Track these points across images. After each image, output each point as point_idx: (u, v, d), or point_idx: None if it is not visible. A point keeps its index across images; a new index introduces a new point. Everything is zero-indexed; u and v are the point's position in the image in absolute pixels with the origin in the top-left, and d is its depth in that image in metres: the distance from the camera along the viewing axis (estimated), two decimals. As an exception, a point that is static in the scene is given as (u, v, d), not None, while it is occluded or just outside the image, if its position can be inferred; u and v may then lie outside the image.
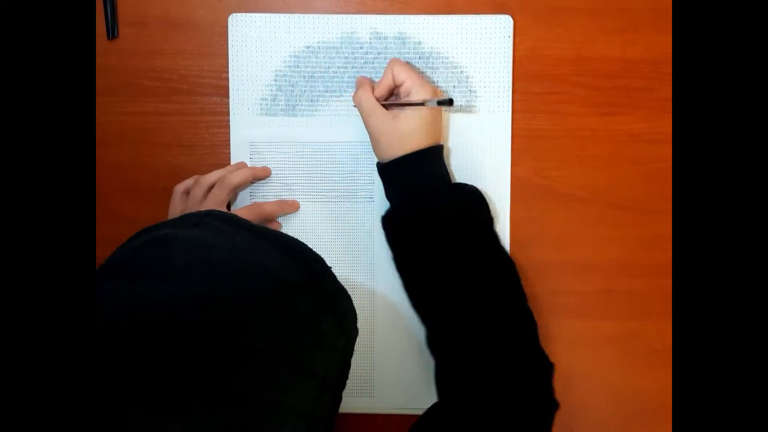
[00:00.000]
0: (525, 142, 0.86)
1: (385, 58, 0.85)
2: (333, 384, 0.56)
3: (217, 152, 0.86)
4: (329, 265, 0.59)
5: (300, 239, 0.86)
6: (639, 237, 0.86)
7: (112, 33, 0.85)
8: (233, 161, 0.86)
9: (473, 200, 0.80)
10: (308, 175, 0.86)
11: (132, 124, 0.86)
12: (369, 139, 0.82)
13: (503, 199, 0.86)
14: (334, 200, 0.86)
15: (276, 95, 0.86)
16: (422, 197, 0.78)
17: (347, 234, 0.87)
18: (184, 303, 0.48)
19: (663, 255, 0.85)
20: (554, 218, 0.86)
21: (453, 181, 0.82)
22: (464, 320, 0.76)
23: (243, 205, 0.86)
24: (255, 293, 0.50)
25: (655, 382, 0.85)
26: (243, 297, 0.49)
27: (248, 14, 0.86)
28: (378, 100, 0.80)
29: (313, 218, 0.87)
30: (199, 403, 0.45)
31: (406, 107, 0.78)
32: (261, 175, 0.86)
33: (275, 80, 0.86)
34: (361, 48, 0.86)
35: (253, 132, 0.86)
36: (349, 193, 0.86)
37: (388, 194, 0.82)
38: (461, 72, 0.86)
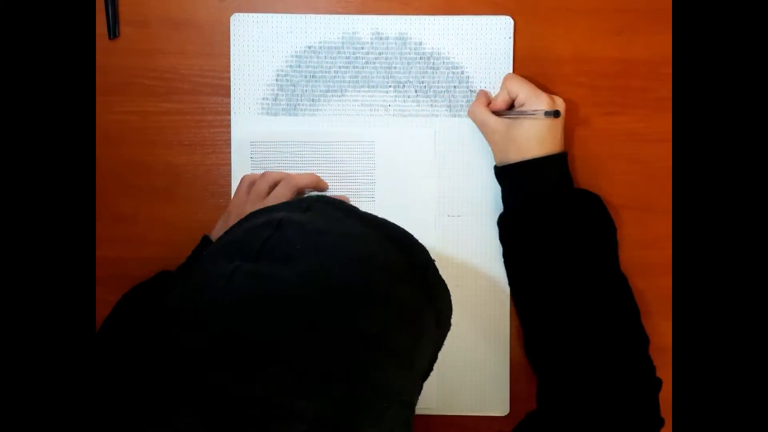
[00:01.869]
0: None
1: (387, 59, 0.86)
2: (425, 373, 0.57)
3: (218, 152, 0.86)
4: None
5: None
6: (638, 236, 0.86)
7: (113, 32, 0.85)
8: (234, 161, 0.86)
9: (592, 209, 0.81)
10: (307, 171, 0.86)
11: (132, 124, 0.86)
12: (370, 138, 0.82)
13: (504, 198, 0.86)
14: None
15: (277, 95, 0.86)
16: (538, 204, 0.79)
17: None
18: (303, 287, 0.49)
19: (662, 254, 0.85)
20: (554, 218, 0.86)
21: (574, 188, 0.82)
22: (573, 329, 0.76)
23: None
24: (366, 281, 0.51)
25: (655, 382, 0.85)
26: (355, 284, 0.51)
27: (250, 14, 0.86)
28: (495, 111, 0.82)
29: None
30: (315, 383, 0.47)
31: (520, 117, 0.80)
32: (323, 186, 0.86)
33: (276, 80, 0.86)
34: (363, 48, 0.86)
35: (254, 132, 0.86)
36: (350, 193, 0.86)
37: (504, 197, 0.83)
38: (462, 72, 0.86)
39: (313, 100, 0.86)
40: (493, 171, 0.84)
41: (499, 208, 0.85)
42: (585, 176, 0.86)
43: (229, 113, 0.86)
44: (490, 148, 0.85)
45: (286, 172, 0.85)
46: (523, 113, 0.79)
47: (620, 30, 0.85)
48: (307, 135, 0.86)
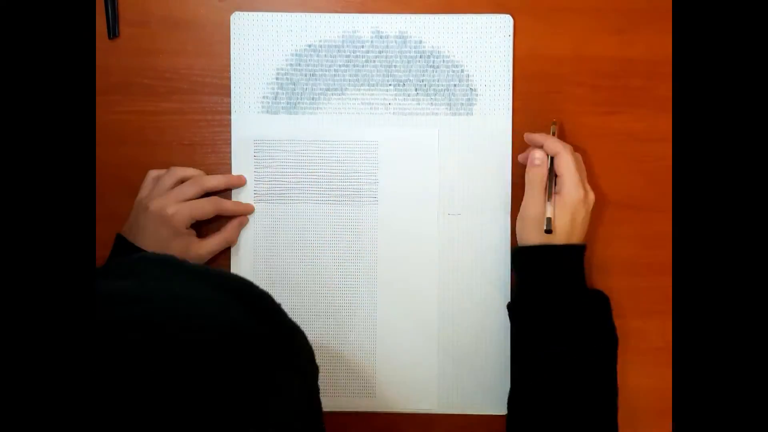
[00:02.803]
0: (525, 141, 0.86)
1: (387, 57, 0.86)
2: (296, 428, 0.51)
3: (219, 151, 0.86)
4: (273, 299, 0.55)
5: (303, 240, 0.85)
6: (639, 235, 0.86)
7: (113, 32, 0.85)
8: (234, 160, 0.86)
9: (597, 311, 0.80)
10: (311, 174, 0.86)
11: (132, 124, 0.86)
12: (374, 138, 0.83)
13: (504, 197, 0.86)
14: (337, 200, 0.86)
15: (277, 93, 0.86)
16: (544, 295, 0.79)
17: (350, 235, 0.86)
18: (127, 367, 0.43)
19: (663, 253, 0.85)
20: (555, 217, 0.86)
21: (585, 285, 0.81)
22: (555, 425, 0.76)
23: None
24: (196, 346, 0.46)
25: (655, 381, 0.85)
26: (186, 351, 0.45)
27: (250, 13, 0.86)
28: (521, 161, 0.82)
29: (316, 218, 0.86)
30: None
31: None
32: (236, 183, 0.86)
33: (277, 78, 0.86)
34: (363, 47, 0.86)
35: (255, 130, 0.86)
36: (353, 194, 0.86)
37: (517, 279, 0.83)
38: (462, 71, 0.86)
39: (313, 99, 0.86)
40: (494, 171, 0.84)
41: (500, 207, 0.85)
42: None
43: (229, 113, 0.86)
44: (490, 147, 0.85)
45: (196, 171, 0.85)
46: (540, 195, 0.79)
47: (620, 30, 0.85)
48: (311, 134, 0.86)
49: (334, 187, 0.86)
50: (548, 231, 0.77)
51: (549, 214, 0.77)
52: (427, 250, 0.86)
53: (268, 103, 0.86)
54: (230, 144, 0.86)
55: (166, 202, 0.80)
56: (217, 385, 0.45)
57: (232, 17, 0.86)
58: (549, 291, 0.78)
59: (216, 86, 0.86)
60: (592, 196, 0.80)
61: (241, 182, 0.86)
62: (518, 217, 0.82)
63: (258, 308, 0.52)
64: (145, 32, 0.86)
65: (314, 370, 0.55)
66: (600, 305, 0.80)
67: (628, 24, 0.85)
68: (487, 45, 0.86)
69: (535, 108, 0.86)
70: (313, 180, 0.86)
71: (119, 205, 0.86)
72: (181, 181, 0.83)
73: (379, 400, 0.86)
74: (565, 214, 0.78)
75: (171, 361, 0.44)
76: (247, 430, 0.45)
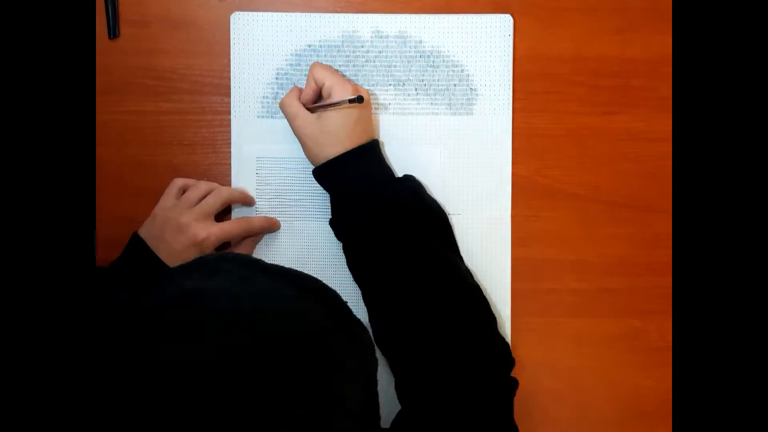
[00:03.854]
0: (525, 141, 0.86)
1: (387, 57, 0.86)
2: (361, 413, 0.56)
3: (218, 151, 0.86)
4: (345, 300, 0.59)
5: (304, 257, 0.86)
6: (639, 235, 0.86)
7: (113, 32, 0.85)
8: (235, 177, 0.86)
9: (414, 196, 0.80)
10: (313, 192, 0.86)
11: (132, 124, 0.86)
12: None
13: (504, 197, 0.86)
14: None
15: (277, 93, 0.86)
16: (356, 200, 0.78)
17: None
18: (225, 362, 0.48)
19: (663, 253, 0.85)
20: (555, 217, 0.86)
21: (394, 175, 0.81)
22: (415, 322, 0.75)
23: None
24: (285, 341, 0.50)
25: (655, 380, 0.85)
26: (277, 349, 0.50)
27: (250, 13, 0.86)
28: (305, 105, 0.80)
29: (317, 236, 0.86)
30: None
31: (329, 108, 0.78)
32: (249, 202, 0.86)
33: (277, 78, 0.86)
34: (362, 47, 0.86)
35: (255, 145, 0.86)
36: None
37: (330, 197, 0.82)
38: (462, 71, 0.86)
39: (313, 99, 0.86)
40: (494, 171, 0.84)
41: (500, 207, 0.85)
42: (585, 176, 0.86)
43: (229, 113, 0.86)
44: (491, 147, 0.85)
45: (216, 185, 0.85)
46: (329, 103, 0.78)
47: (620, 29, 0.85)
48: None
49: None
50: (358, 99, 0.76)
51: (336, 99, 0.77)
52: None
53: (269, 103, 0.86)
54: (230, 144, 0.86)
55: (198, 227, 0.80)
56: (299, 375, 0.49)
57: (232, 17, 0.86)
58: (365, 191, 0.78)
59: (216, 86, 0.86)
60: (363, 89, 0.81)
61: (251, 202, 0.87)
62: (307, 149, 0.81)
63: (331, 306, 0.56)
64: (145, 32, 0.86)
65: (375, 362, 0.59)
66: (415, 186, 0.80)
67: (628, 24, 0.85)
68: (487, 45, 0.86)
69: (535, 108, 0.86)
70: (315, 198, 0.86)
71: (119, 205, 0.86)
72: (205, 195, 0.83)
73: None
74: (344, 115, 0.78)
75: (262, 352, 0.48)
76: (329, 413, 0.50)
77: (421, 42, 0.86)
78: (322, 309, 0.55)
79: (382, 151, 0.83)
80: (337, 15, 0.86)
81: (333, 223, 0.82)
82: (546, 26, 0.85)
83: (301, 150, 0.83)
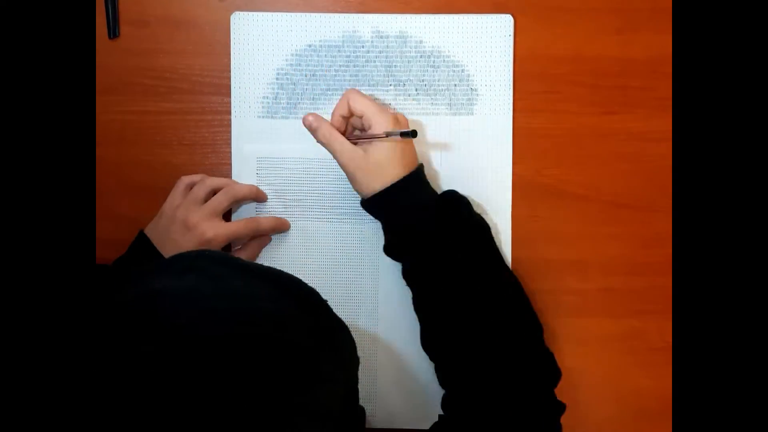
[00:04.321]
0: (526, 141, 0.86)
1: (387, 57, 0.86)
2: (336, 417, 0.55)
3: (218, 151, 0.86)
4: (325, 298, 0.59)
5: (306, 257, 0.85)
6: (639, 235, 0.86)
7: (113, 32, 0.85)
8: (236, 178, 0.86)
9: (460, 213, 0.79)
10: (314, 192, 0.86)
11: (132, 124, 0.86)
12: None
13: (504, 197, 0.86)
14: (339, 218, 0.86)
15: (278, 94, 0.86)
16: (408, 230, 0.77)
17: (352, 252, 0.86)
18: (197, 363, 0.47)
19: (663, 253, 0.85)
20: (555, 216, 0.86)
21: (437, 195, 0.80)
22: (465, 334, 0.75)
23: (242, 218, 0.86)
24: (255, 339, 0.50)
25: (655, 380, 0.85)
26: (242, 344, 0.49)
27: (250, 13, 0.86)
28: (339, 130, 0.79)
29: (318, 236, 0.87)
30: None
31: (374, 140, 0.77)
32: (262, 198, 0.86)
33: (277, 79, 0.86)
34: (363, 47, 0.86)
35: (255, 145, 0.86)
36: (355, 211, 0.85)
37: (382, 225, 0.81)
38: (462, 71, 0.86)
39: (313, 99, 0.86)
40: (494, 171, 0.84)
41: (500, 207, 0.85)
42: (585, 176, 0.86)
43: (229, 113, 0.86)
44: (491, 147, 0.85)
45: (227, 180, 0.85)
46: (377, 136, 0.76)
47: (620, 30, 0.85)
48: (313, 153, 0.85)
49: (336, 205, 0.86)
50: (412, 134, 0.75)
51: (384, 130, 0.76)
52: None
53: (269, 103, 0.86)
54: (230, 144, 0.86)
55: (205, 226, 0.79)
56: (271, 374, 0.49)
57: (232, 17, 0.86)
58: (411, 219, 0.77)
59: (216, 86, 0.86)
60: (402, 116, 0.80)
61: (264, 198, 0.86)
62: (355, 181, 0.79)
63: (307, 304, 0.56)
64: (145, 32, 0.86)
65: (355, 360, 0.59)
66: (459, 203, 0.79)
67: (628, 24, 0.85)
68: (487, 45, 0.86)
69: (535, 108, 0.86)
70: (315, 198, 0.86)
71: (119, 205, 0.86)
72: (213, 191, 0.83)
73: (379, 418, 0.86)
74: (390, 146, 0.77)
75: (233, 351, 0.48)
76: (295, 416, 0.50)
77: (421, 42, 0.86)
78: (296, 307, 0.54)
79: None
80: (337, 15, 0.86)
81: (387, 249, 0.80)
82: (546, 26, 0.85)
83: (301, 150, 0.83)
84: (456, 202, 0.79)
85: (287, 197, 0.86)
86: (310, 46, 0.86)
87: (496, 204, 0.86)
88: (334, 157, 0.79)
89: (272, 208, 0.86)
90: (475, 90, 0.86)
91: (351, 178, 0.79)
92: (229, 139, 0.86)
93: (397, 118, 0.78)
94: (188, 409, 0.45)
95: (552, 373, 0.76)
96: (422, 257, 0.77)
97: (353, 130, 0.82)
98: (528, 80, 0.86)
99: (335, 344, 0.57)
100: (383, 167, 0.77)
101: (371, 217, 0.81)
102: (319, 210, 0.86)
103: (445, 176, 0.86)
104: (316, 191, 0.86)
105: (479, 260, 0.77)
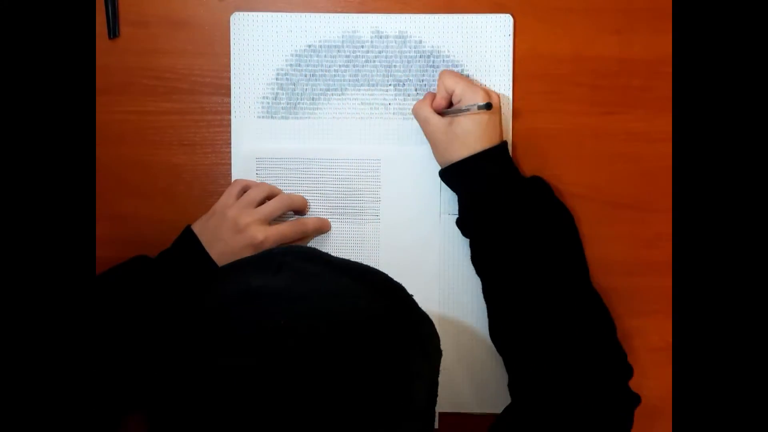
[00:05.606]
0: (525, 141, 0.86)
1: (386, 57, 0.86)
2: (423, 411, 0.57)
3: (218, 151, 0.86)
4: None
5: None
6: (639, 235, 0.86)
7: (113, 32, 0.85)
8: (234, 159, 0.86)
9: (541, 197, 0.81)
10: (313, 192, 0.86)
11: (132, 124, 0.86)
12: (376, 156, 0.84)
13: (504, 197, 0.86)
14: (339, 218, 0.86)
15: (277, 94, 0.86)
16: (486, 201, 0.79)
17: (353, 252, 0.86)
18: (298, 368, 0.50)
19: (663, 253, 0.85)
20: (555, 217, 0.86)
21: (521, 177, 0.82)
22: (538, 320, 0.75)
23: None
24: (351, 341, 0.52)
25: (655, 381, 0.85)
26: (344, 348, 0.51)
27: (250, 13, 0.86)
28: (438, 110, 0.81)
29: (318, 236, 0.87)
30: None
31: (459, 114, 0.80)
32: (306, 211, 0.86)
33: (277, 79, 0.86)
34: (362, 47, 0.86)
35: (255, 144, 0.86)
36: (355, 212, 0.86)
37: (458, 198, 0.83)
38: (462, 70, 0.86)
39: (313, 99, 0.86)
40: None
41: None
42: (585, 176, 0.86)
43: (229, 113, 0.86)
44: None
45: (280, 190, 0.85)
46: (459, 109, 0.79)
47: (620, 30, 0.85)
48: (312, 150, 0.85)
49: (336, 205, 0.86)
50: (486, 106, 0.77)
51: (473, 101, 0.78)
52: (428, 268, 0.86)
53: (268, 103, 0.86)
54: (230, 144, 0.86)
55: (255, 229, 0.80)
56: (368, 375, 0.51)
57: (232, 17, 0.86)
58: (490, 193, 0.79)
59: (216, 86, 0.86)
60: (495, 93, 0.82)
61: (307, 210, 0.87)
62: (437, 151, 0.82)
63: (396, 299, 0.58)
64: (145, 32, 0.86)
65: (438, 354, 0.61)
66: (540, 187, 0.81)
67: (628, 24, 0.85)
68: (486, 45, 0.86)
69: (535, 108, 0.86)
70: (315, 198, 0.86)
71: (119, 205, 0.86)
72: (267, 197, 0.83)
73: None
74: (474, 120, 0.79)
75: (332, 352, 0.51)
76: (396, 415, 0.53)
77: (421, 42, 0.86)
78: (387, 304, 0.56)
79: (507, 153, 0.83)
80: (337, 15, 0.86)
81: (459, 222, 0.83)
82: (546, 26, 0.85)
83: (301, 150, 0.83)
84: (544, 184, 0.81)
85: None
86: (310, 46, 0.86)
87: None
88: (422, 128, 0.83)
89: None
90: (475, 90, 0.86)
91: (434, 148, 0.83)
92: (229, 139, 0.86)
93: (488, 93, 0.80)
94: (293, 412, 0.48)
95: (626, 367, 0.76)
96: (499, 231, 0.78)
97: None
98: (528, 80, 0.86)
99: (422, 339, 0.58)
100: (466, 138, 0.79)
101: (371, 217, 0.81)
102: (318, 210, 0.86)
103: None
104: (316, 191, 0.86)
105: (559, 244, 0.79)
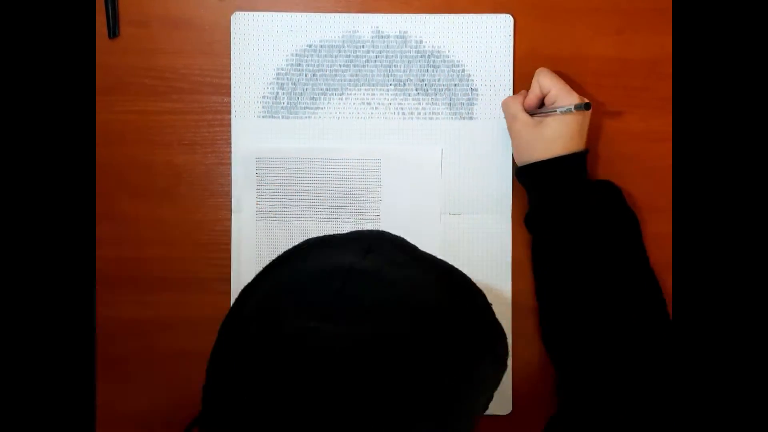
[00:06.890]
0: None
1: (387, 57, 0.86)
2: (477, 415, 0.58)
3: (218, 151, 0.86)
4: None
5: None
6: (639, 235, 0.86)
7: (113, 32, 0.85)
8: (235, 178, 0.86)
9: (611, 201, 0.80)
10: (314, 192, 0.86)
11: (132, 124, 0.86)
12: (376, 156, 0.84)
13: (504, 196, 0.86)
14: (340, 218, 0.86)
15: (278, 93, 0.86)
16: (559, 200, 0.79)
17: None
18: (377, 347, 0.50)
19: (663, 253, 0.85)
20: (555, 217, 0.86)
21: (590, 182, 0.82)
22: (595, 323, 0.75)
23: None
24: (430, 337, 0.52)
25: (655, 381, 0.85)
26: (424, 340, 0.52)
27: (251, 13, 0.86)
28: (528, 109, 0.81)
29: (316, 235, 0.86)
30: None
31: (550, 115, 0.79)
32: None
33: (277, 78, 0.86)
34: (363, 47, 0.86)
35: (255, 144, 0.86)
36: (356, 211, 0.86)
37: (529, 196, 0.83)
38: (462, 70, 0.86)
39: (313, 99, 0.86)
40: (494, 171, 0.84)
41: (500, 207, 0.85)
42: (585, 175, 0.86)
43: (229, 113, 0.86)
44: (491, 146, 0.85)
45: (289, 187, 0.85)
46: (553, 110, 0.79)
47: (620, 30, 0.85)
48: (312, 150, 0.86)
49: (336, 205, 0.86)
50: (585, 106, 0.77)
51: (569, 104, 0.78)
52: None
53: (269, 103, 0.86)
54: (230, 144, 0.86)
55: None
56: (439, 370, 0.52)
57: (232, 17, 0.86)
58: (562, 195, 0.79)
59: (216, 86, 0.86)
60: (586, 100, 0.81)
61: None
62: (519, 149, 0.82)
63: (474, 305, 0.58)
64: (145, 32, 0.86)
65: (504, 367, 0.61)
66: (611, 193, 0.81)
67: (628, 24, 0.85)
68: (487, 45, 0.86)
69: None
70: (315, 198, 0.86)
71: (119, 205, 0.86)
72: None
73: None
74: (563, 124, 0.79)
75: (410, 343, 0.51)
76: (461, 415, 0.53)
77: (421, 42, 0.86)
78: (469, 309, 0.57)
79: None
80: (337, 15, 0.86)
81: (527, 220, 0.83)
82: (546, 26, 0.85)
83: (301, 150, 0.83)
84: (615, 190, 0.81)
85: (287, 197, 0.86)
86: (310, 46, 0.86)
87: (496, 204, 0.86)
88: (507, 123, 0.83)
89: (272, 208, 0.86)
90: (475, 90, 0.86)
91: (515, 145, 0.82)
92: (229, 138, 0.86)
93: (580, 98, 0.79)
94: (355, 386, 0.48)
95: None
96: (568, 233, 0.78)
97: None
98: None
99: (494, 349, 0.58)
100: (550, 141, 0.79)
101: (371, 217, 0.81)
102: (319, 210, 0.86)
103: (445, 176, 0.86)
104: (316, 191, 0.86)
105: (622, 249, 0.78)
